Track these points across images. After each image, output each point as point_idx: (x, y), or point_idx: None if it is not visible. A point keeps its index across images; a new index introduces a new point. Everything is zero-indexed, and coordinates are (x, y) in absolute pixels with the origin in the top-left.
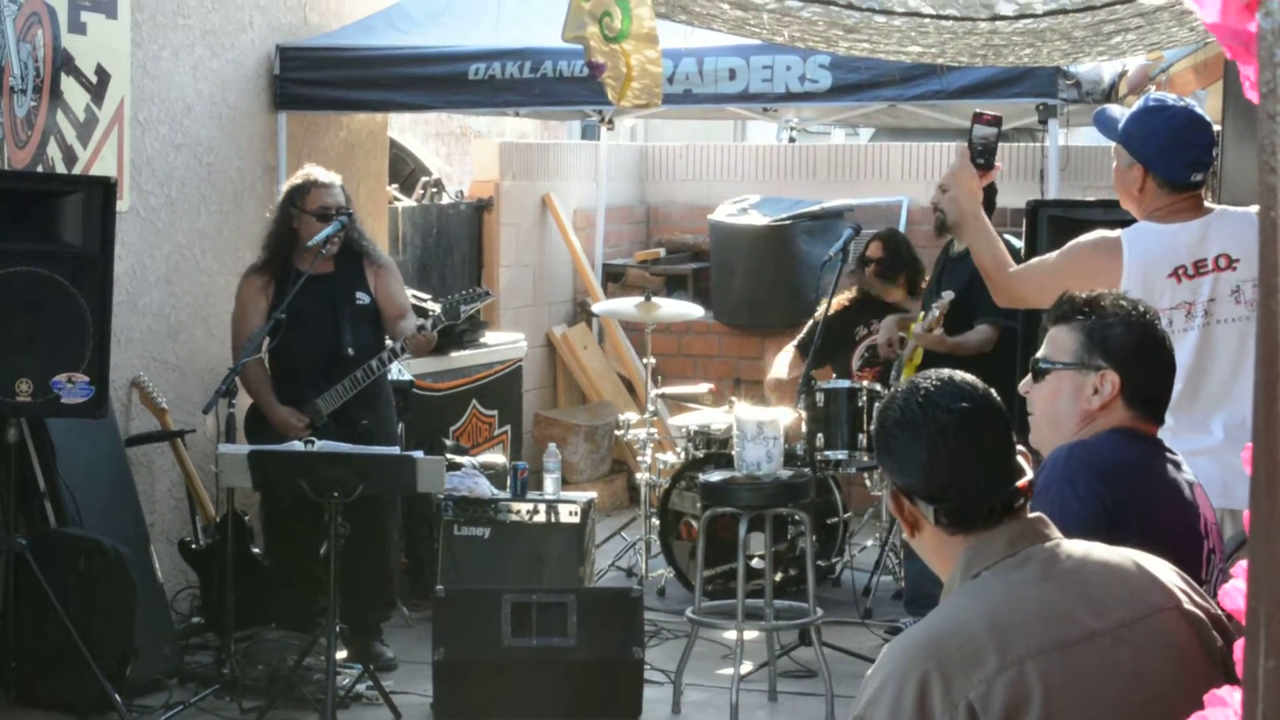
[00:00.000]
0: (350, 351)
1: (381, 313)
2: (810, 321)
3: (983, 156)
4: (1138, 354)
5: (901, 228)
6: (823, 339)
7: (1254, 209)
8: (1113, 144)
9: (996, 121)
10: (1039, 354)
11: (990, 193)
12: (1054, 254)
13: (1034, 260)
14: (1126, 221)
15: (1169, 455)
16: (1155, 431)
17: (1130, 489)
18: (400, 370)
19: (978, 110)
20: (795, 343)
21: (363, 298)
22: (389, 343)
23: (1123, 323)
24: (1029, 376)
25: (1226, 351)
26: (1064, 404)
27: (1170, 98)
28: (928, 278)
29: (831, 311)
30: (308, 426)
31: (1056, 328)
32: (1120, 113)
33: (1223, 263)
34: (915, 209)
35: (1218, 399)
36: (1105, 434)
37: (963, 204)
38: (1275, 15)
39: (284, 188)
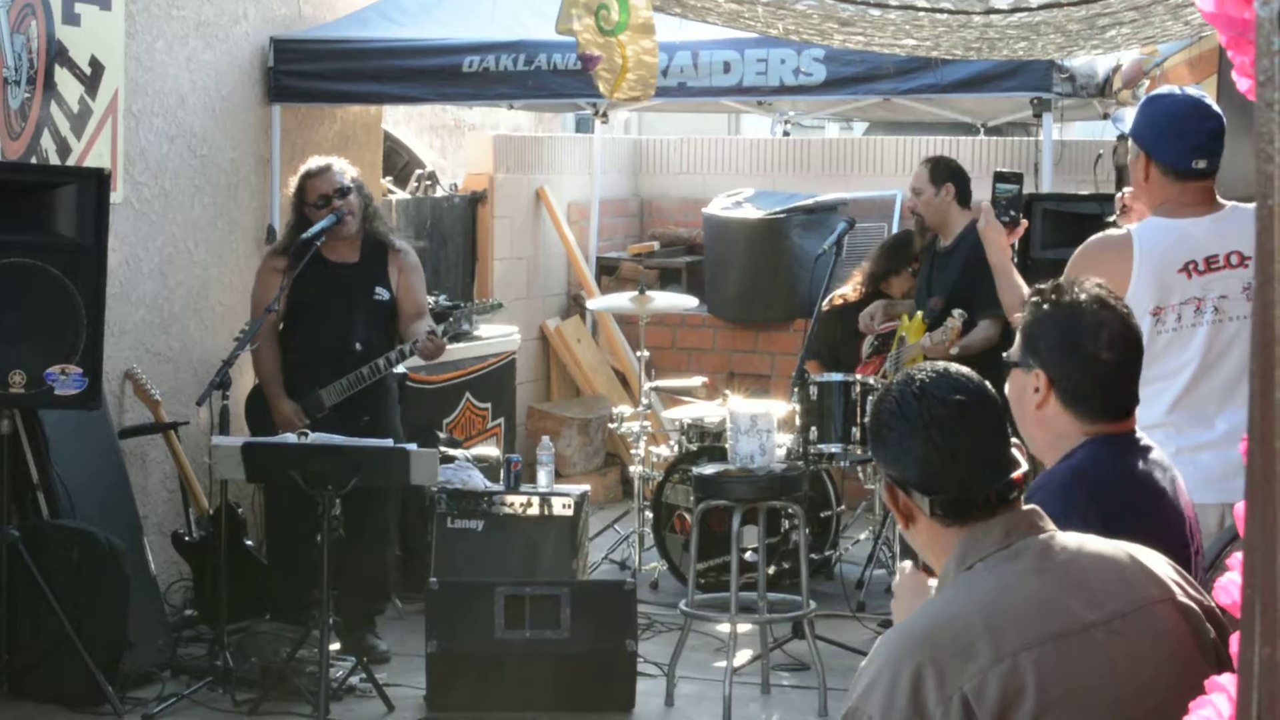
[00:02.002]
0: (358, 346)
1: (399, 309)
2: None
3: (1008, 214)
4: (1060, 351)
5: (895, 221)
6: (833, 329)
7: None
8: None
9: (1017, 178)
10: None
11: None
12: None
13: None
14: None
15: (1148, 454)
16: (1127, 427)
17: (1119, 513)
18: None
19: (999, 170)
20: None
21: (382, 293)
22: (401, 344)
23: (1049, 318)
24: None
25: (1238, 348)
26: (1020, 402)
27: (1175, 88)
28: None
29: (846, 303)
30: (308, 420)
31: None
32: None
33: (1235, 260)
34: (909, 202)
35: (1225, 395)
36: (1085, 450)
37: (994, 258)
38: (1273, 3)
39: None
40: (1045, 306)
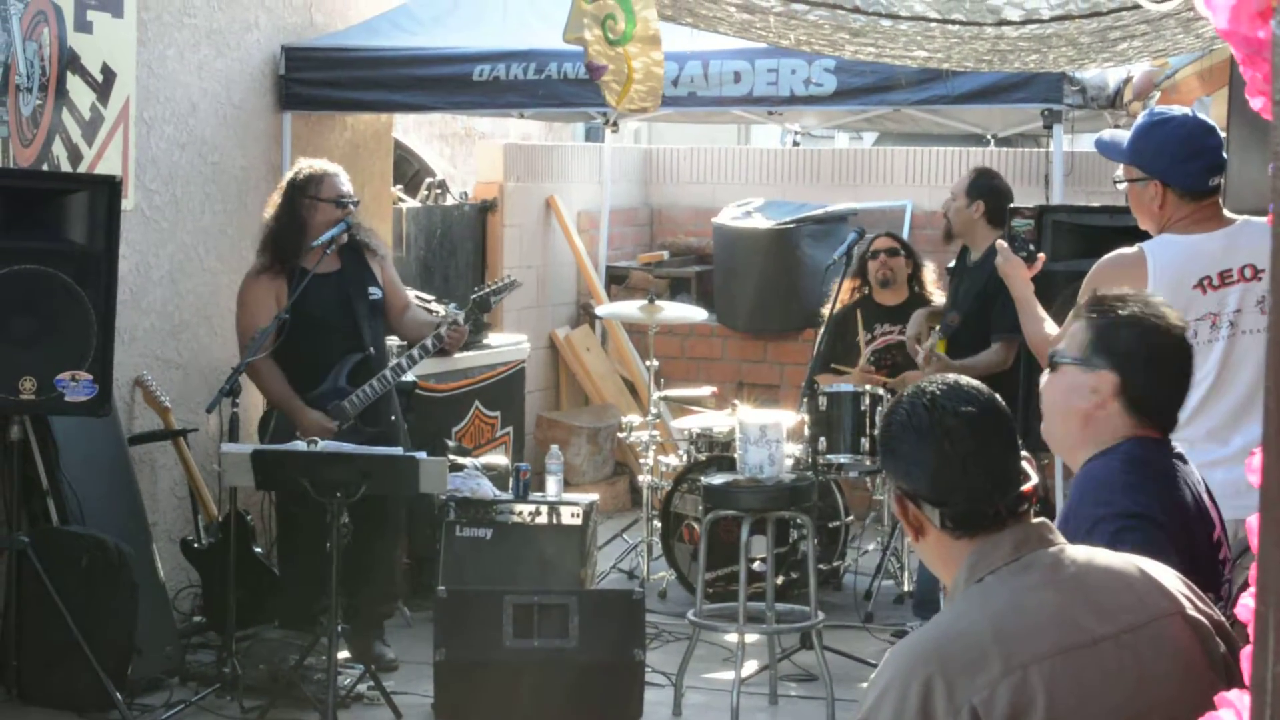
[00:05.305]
0: (372, 350)
1: (388, 306)
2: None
3: (1026, 249)
4: (1139, 358)
5: (905, 232)
6: (829, 341)
7: None
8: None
9: (1033, 213)
10: (1057, 345)
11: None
12: (1081, 290)
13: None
14: (1132, 228)
15: (1181, 461)
16: (1165, 435)
17: (1158, 500)
18: None
19: (1013, 206)
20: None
21: (375, 293)
22: (427, 339)
23: (1129, 324)
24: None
25: (1252, 362)
26: (1067, 399)
27: (1169, 109)
28: (928, 284)
29: (836, 309)
30: (337, 428)
31: (1076, 322)
32: (1118, 135)
33: (1248, 273)
34: (919, 213)
35: (1241, 410)
36: (1132, 443)
37: (1016, 292)
38: None
39: (285, 183)
40: (1124, 314)
